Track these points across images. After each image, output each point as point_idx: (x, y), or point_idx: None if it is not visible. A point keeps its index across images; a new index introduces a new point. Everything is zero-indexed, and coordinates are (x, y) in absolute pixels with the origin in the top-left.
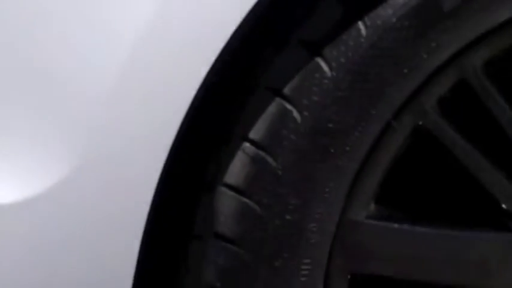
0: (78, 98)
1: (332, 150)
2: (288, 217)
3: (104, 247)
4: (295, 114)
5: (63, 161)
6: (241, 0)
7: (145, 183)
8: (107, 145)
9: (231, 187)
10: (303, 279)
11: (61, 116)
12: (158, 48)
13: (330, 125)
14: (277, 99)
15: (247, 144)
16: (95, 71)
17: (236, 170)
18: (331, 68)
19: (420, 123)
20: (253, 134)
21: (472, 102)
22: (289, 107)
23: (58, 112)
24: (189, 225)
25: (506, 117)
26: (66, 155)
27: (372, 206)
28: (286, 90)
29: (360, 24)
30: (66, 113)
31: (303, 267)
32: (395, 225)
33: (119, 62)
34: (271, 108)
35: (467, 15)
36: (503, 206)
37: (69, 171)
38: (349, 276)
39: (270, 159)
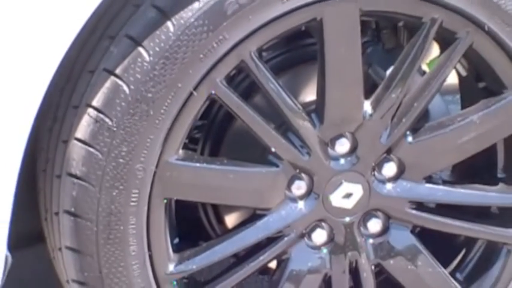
0: None
1: (151, 113)
2: (121, 160)
3: None
4: (125, 88)
5: None
6: (85, 4)
7: (18, 140)
8: None
9: (80, 140)
10: (132, 204)
11: None
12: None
13: (149, 95)
14: (112, 77)
15: (91, 110)
16: None
17: (83, 128)
18: (149, 55)
19: (213, 92)
20: (95, 102)
21: (250, 76)
22: (120, 82)
23: None
24: (51, 167)
25: (272, 86)
26: None
27: (180, 151)
28: (118, 71)
29: (169, 23)
30: None
31: (133, 195)
32: (197, 164)
33: None
34: (108, 84)
35: (244, 16)
36: (273, 149)
37: None
38: (165, 201)
39: (107, 120)
